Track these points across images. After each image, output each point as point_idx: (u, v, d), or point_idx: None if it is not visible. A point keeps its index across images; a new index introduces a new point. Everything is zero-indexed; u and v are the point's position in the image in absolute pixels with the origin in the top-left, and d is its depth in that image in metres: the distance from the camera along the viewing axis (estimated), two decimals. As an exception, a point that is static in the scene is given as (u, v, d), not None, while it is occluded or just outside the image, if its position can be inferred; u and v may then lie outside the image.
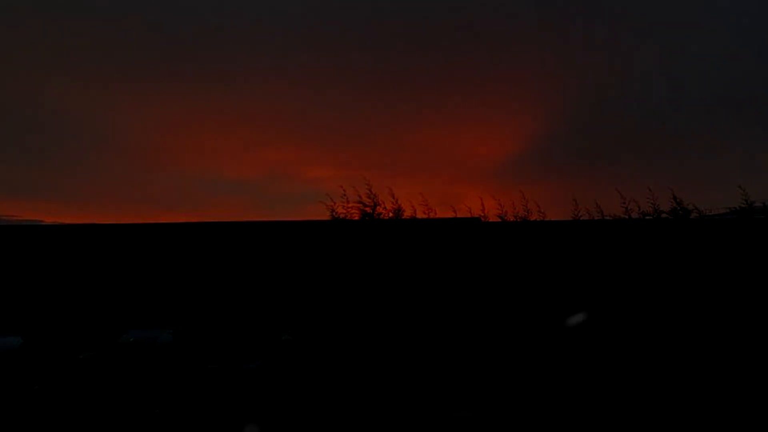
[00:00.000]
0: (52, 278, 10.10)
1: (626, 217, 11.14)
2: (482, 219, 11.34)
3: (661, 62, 23.15)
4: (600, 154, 24.25)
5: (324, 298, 10.01)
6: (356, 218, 11.38)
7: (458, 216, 11.33)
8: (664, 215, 11.07)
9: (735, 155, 20.73)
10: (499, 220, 11.43)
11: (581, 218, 11.22)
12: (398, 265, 10.26)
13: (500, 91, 23.90)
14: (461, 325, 9.50)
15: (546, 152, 23.48)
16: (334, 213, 11.36)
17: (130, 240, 10.71)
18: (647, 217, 11.14)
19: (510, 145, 23.96)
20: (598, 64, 23.26)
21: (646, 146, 22.73)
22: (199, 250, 10.56)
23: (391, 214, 11.42)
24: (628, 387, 6.18)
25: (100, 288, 10.07)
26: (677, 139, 22.20)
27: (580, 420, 5.02)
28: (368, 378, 6.84)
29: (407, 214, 11.45)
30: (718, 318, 9.27)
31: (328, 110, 23.75)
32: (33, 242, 10.68)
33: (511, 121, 24.13)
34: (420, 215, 11.43)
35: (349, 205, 11.37)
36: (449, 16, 23.31)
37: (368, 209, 11.40)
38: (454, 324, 9.53)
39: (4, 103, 22.57)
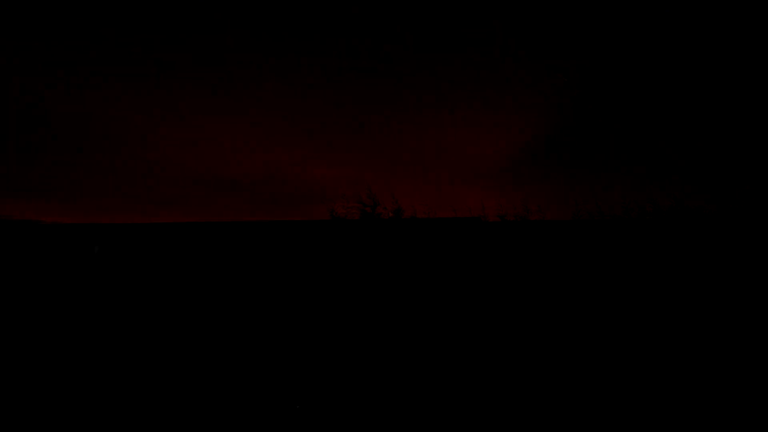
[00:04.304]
0: (52, 278, 10.11)
1: (626, 217, 11.18)
2: (482, 219, 11.36)
3: (661, 62, 23.14)
4: (600, 153, 24.27)
5: (324, 298, 10.01)
6: (356, 218, 11.42)
7: (458, 216, 11.37)
8: (663, 215, 11.10)
9: (735, 155, 20.75)
10: (499, 220, 11.47)
11: (581, 218, 11.25)
12: (398, 265, 10.27)
13: (501, 91, 23.94)
14: (461, 325, 9.49)
15: (546, 152, 23.51)
16: (334, 213, 11.42)
17: (130, 240, 10.71)
18: (647, 218, 11.17)
19: (510, 145, 23.99)
20: (598, 63, 23.30)
21: (647, 146, 22.78)
22: (199, 250, 10.57)
23: (391, 214, 11.46)
24: (627, 387, 6.19)
25: (99, 288, 10.07)
26: (677, 138, 22.23)
27: (580, 421, 5.02)
28: (368, 378, 6.85)
29: (407, 214, 11.49)
30: (718, 318, 9.28)
31: (327, 110, 23.79)
32: (33, 242, 10.68)
33: (511, 121, 24.15)
34: (420, 215, 11.47)
35: (349, 205, 11.44)
36: (449, 16, 23.35)
37: (368, 209, 11.44)
38: (454, 324, 9.53)
39: (4, 102, 22.59)
